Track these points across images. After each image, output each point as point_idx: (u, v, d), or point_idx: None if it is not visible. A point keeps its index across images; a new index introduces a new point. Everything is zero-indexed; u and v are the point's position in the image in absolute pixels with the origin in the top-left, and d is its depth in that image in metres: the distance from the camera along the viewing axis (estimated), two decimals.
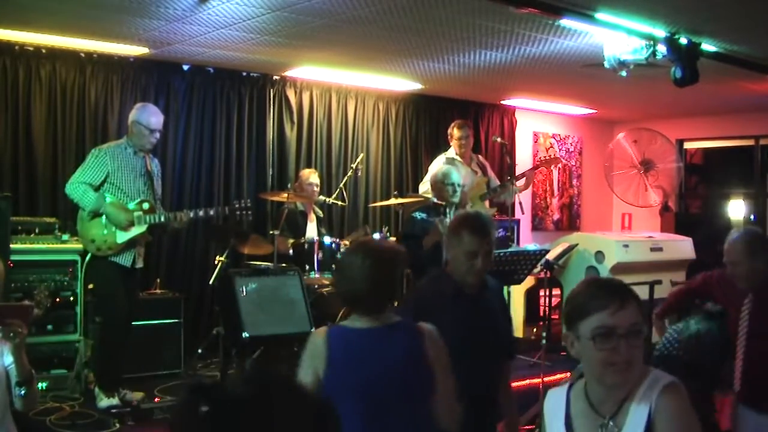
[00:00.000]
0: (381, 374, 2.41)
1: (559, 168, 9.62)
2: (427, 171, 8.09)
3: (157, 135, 5.10)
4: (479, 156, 6.77)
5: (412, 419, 2.42)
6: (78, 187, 4.88)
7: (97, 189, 4.90)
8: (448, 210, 5.32)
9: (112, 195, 4.92)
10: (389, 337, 2.46)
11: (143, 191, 5.04)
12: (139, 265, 5.10)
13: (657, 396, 1.82)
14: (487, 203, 6.51)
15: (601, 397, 1.90)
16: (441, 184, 5.29)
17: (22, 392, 2.88)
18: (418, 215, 5.21)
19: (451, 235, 3.00)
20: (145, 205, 4.99)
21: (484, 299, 3.07)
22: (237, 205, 5.35)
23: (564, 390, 2.00)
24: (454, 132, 6.67)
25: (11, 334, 2.82)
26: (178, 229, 5.24)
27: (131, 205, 4.96)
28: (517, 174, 6.78)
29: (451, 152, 6.70)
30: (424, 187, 6.60)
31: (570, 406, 1.96)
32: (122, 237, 4.90)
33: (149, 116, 5.03)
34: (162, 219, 5.01)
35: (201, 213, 5.19)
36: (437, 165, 6.17)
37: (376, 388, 2.40)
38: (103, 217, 4.89)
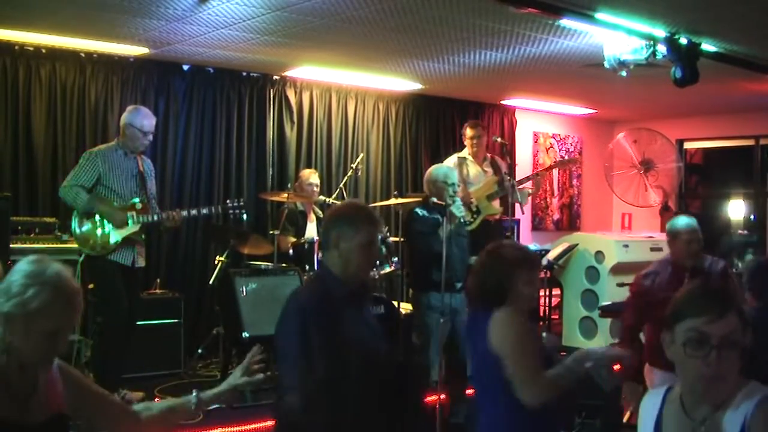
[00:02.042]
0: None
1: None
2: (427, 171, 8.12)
3: (150, 137, 5.15)
4: (495, 156, 6.77)
5: None
6: (71, 189, 4.92)
7: (89, 191, 4.93)
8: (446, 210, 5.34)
9: (104, 196, 4.95)
10: None
11: (135, 191, 5.06)
12: (140, 264, 5.12)
13: (754, 408, 1.77)
14: (495, 203, 6.51)
15: (694, 403, 1.86)
16: (443, 184, 5.28)
17: None
18: (420, 212, 5.23)
19: (344, 227, 2.58)
20: (138, 205, 5.02)
21: (367, 302, 2.90)
22: (230, 204, 5.39)
23: (662, 392, 1.98)
24: (467, 132, 6.70)
25: None
26: (171, 228, 5.25)
27: (124, 205, 4.98)
28: (530, 174, 6.87)
29: (465, 152, 6.74)
30: None
31: (663, 407, 1.94)
32: (115, 237, 4.94)
33: (142, 119, 5.06)
34: (155, 218, 5.05)
35: (194, 212, 5.24)
36: (448, 164, 6.24)
37: None
38: (97, 217, 4.92)
